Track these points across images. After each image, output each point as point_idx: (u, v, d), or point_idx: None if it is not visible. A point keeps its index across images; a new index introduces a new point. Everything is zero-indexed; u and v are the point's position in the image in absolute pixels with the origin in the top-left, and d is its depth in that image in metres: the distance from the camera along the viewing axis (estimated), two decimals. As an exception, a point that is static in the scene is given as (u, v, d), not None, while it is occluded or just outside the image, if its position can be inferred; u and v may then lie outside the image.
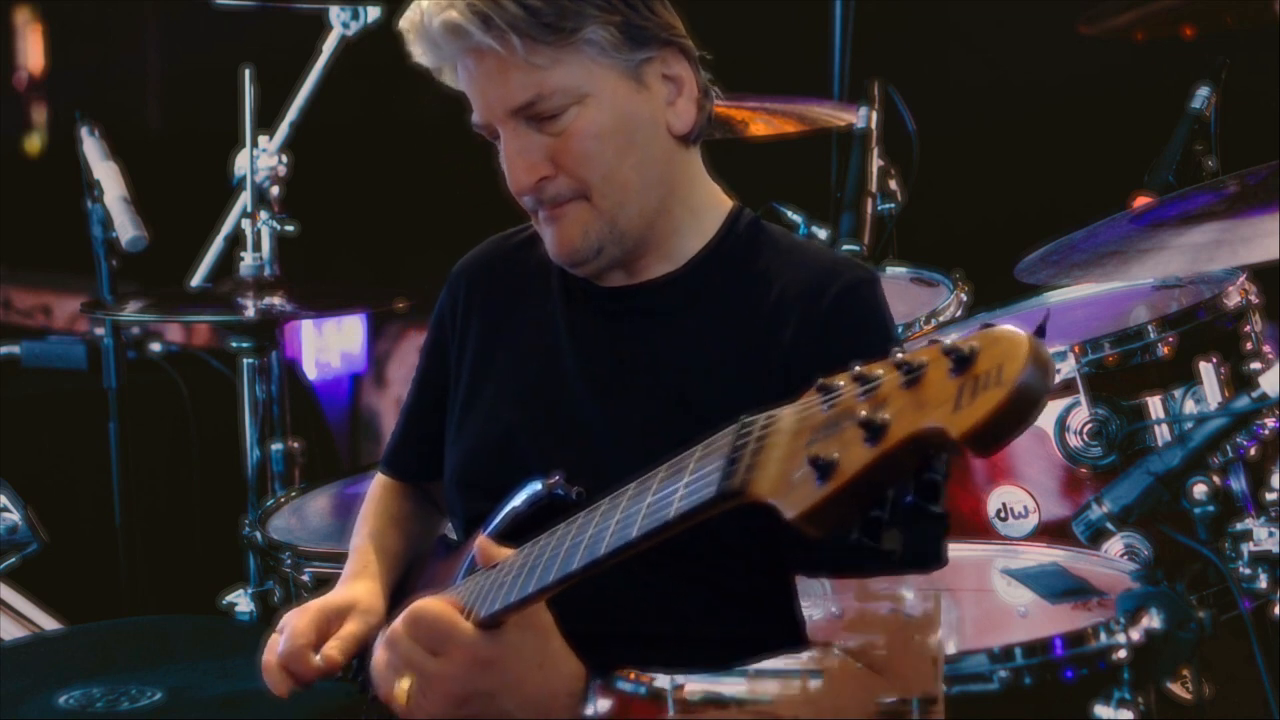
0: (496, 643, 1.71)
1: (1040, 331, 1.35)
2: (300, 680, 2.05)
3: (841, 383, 1.40)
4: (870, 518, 1.35)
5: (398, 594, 2.20)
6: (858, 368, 1.39)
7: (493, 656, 1.70)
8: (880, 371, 1.37)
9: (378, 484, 2.35)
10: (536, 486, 1.95)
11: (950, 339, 1.33)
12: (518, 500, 1.96)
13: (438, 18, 1.91)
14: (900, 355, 1.35)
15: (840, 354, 1.88)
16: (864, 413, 1.33)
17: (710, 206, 2.06)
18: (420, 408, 2.27)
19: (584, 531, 1.63)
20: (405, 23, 1.98)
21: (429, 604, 1.75)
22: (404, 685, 1.74)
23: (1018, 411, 1.27)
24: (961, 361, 1.30)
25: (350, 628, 2.09)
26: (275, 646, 2.06)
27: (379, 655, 1.82)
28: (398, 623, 1.77)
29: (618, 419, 1.99)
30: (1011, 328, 1.31)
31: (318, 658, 2.05)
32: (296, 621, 2.07)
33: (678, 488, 1.51)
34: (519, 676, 1.71)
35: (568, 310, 2.08)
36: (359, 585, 2.18)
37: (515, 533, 1.93)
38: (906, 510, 1.35)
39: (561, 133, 1.93)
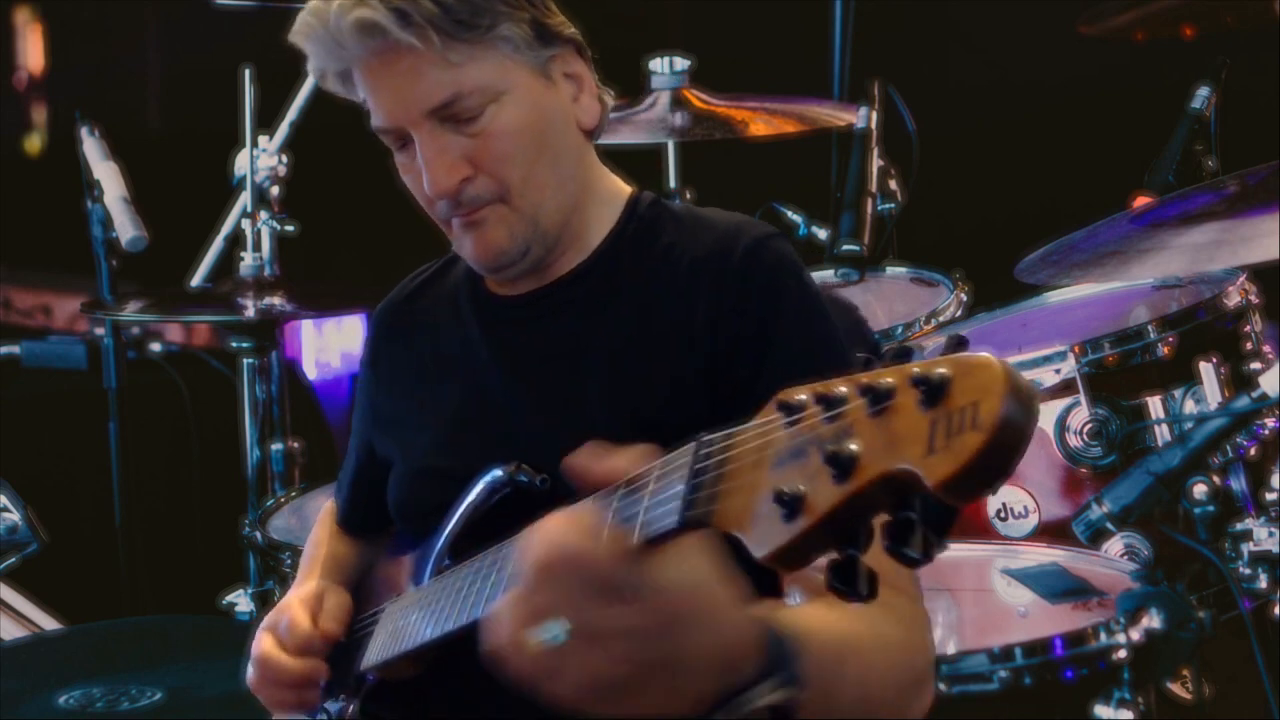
0: (696, 580, 1.34)
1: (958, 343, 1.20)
2: (314, 669, 2.02)
3: (803, 398, 1.27)
4: (844, 557, 1.24)
5: (356, 597, 2.15)
6: (818, 385, 1.26)
7: (691, 608, 1.34)
8: (844, 391, 1.23)
9: (328, 508, 2.32)
10: (498, 473, 1.89)
11: (918, 364, 1.20)
12: (480, 488, 1.90)
13: (349, 16, 1.85)
14: (864, 378, 1.21)
15: (759, 309, 1.86)
16: (830, 445, 1.21)
17: (613, 196, 2.04)
18: (360, 465, 2.22)
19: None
20: (300, 26, 1.92)
21: (606, 549, 1.34)
22: (548, 631, 1.32)
23: (999, 456, 1.14)
24: (932, 393, 1.17)
25: (332, 601, 2.06)
26: (272, 645, 2.02)
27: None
28: (550, 556, 1.34)
29: (556, 422, 1.93)
30: (986, 355, 1.17)
31: (317, 633, 2.02)
32: (291, 614, 2.03)
33: (638, 512, 1.37)
34: (717, 624, 1.35)
35: (484, 329, 2.04)
36: (314, 581, 2.15)
37: (481, 523, 1.89)
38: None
39: (479, 133, 1.90)
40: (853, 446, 1.20)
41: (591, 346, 1.95)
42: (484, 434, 1.99)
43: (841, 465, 1.20)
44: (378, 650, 1.98)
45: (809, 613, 1.51)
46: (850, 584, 1.24)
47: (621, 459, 1.43)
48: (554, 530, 1.36)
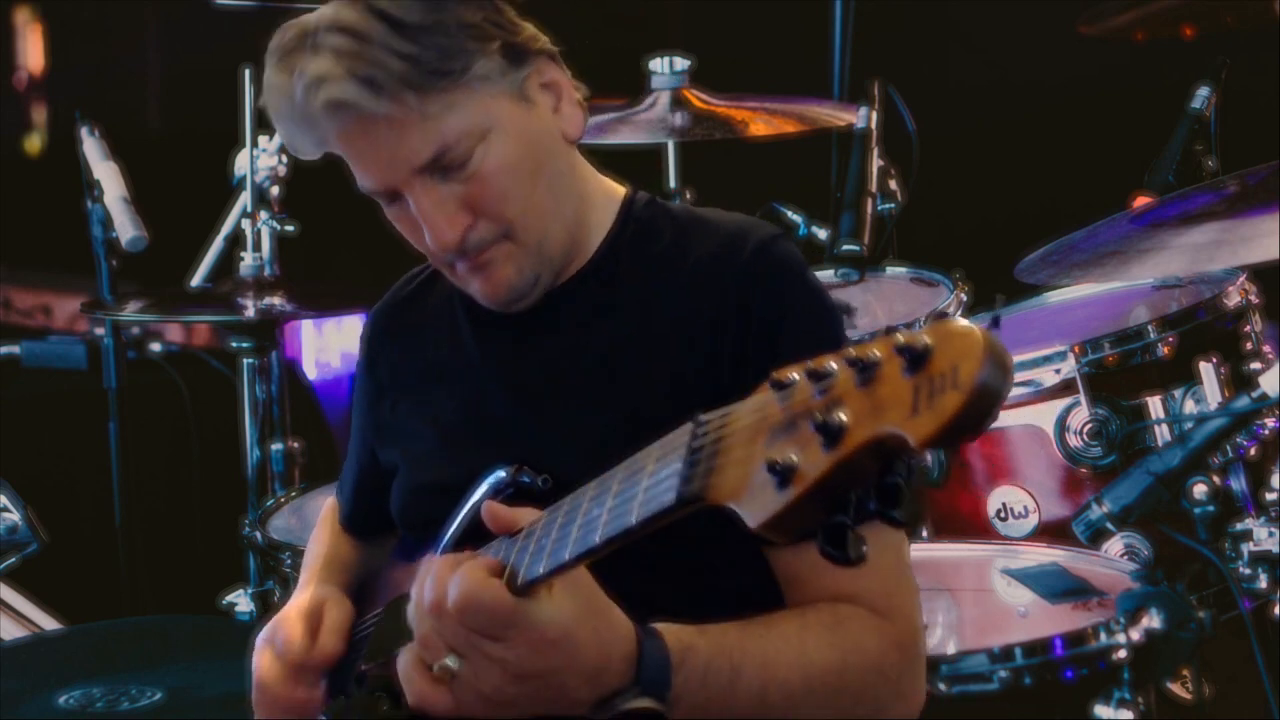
0: (559, 619, 1.60)
1: (995, 322, 1.33)
2: (309, 690, 1.99)
3: (795, 376, 1.34)
4: (834, 523, 1.31)
5: (357, 600, 2.13)
6: (810, 363, 1.34)
7: (557, 636, 1.60)
8: (834, 366, 1.31)
9: (330, 504, 2.31)
10: (501, 474, 1.89)
11: (902, 334, 1.28)
12: (483, 490, 1.90)
13: (317, 98, 1.78)
14: (853, 351, 1.30)
15: (765, 313, 1.85)
16: (820, 414, 1.28)
17: (606, 197, 1.99)
18: (361, 469, 2.21)
19: (547, 535, 1.60)
20: (268, 103, 1.85)
21: (480, 588, 1.60)
22: (449, 664, 1.63)
23: (977, 414, 1.22)
24: (915, 360, 1.25)
25: (333, 615, 2.02)
26: (268, 661, 1.99)
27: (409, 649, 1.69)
28: (448, 607, 1.61)
29: (558, 433, 1.92)
30: (966, 322, 1.26)
31: (317, 652, 1.98)
32: (287, 631, 2.00)
33: (637, 491, 1.47)
34: (578, 648, 1.62)
35: (479, 339, 2.01)
36: (316, 588, 2.11)
37: (480, 525, 1.88)
38: (870, 516, 1.31)
39: (472, 176, 1.84)
40: (841, 415, 1.28)
41: (590, 353, 1.93)
42: (482, 444, 1.97)
43: (830, 433, 1.28)
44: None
45: (712, 631, 1.71)
46: (840, 548, 1.32)
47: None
48: (468, 597, 1.60)
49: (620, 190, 2.02)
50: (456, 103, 1.81)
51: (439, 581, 1.63)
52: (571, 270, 1.96)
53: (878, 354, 1.28)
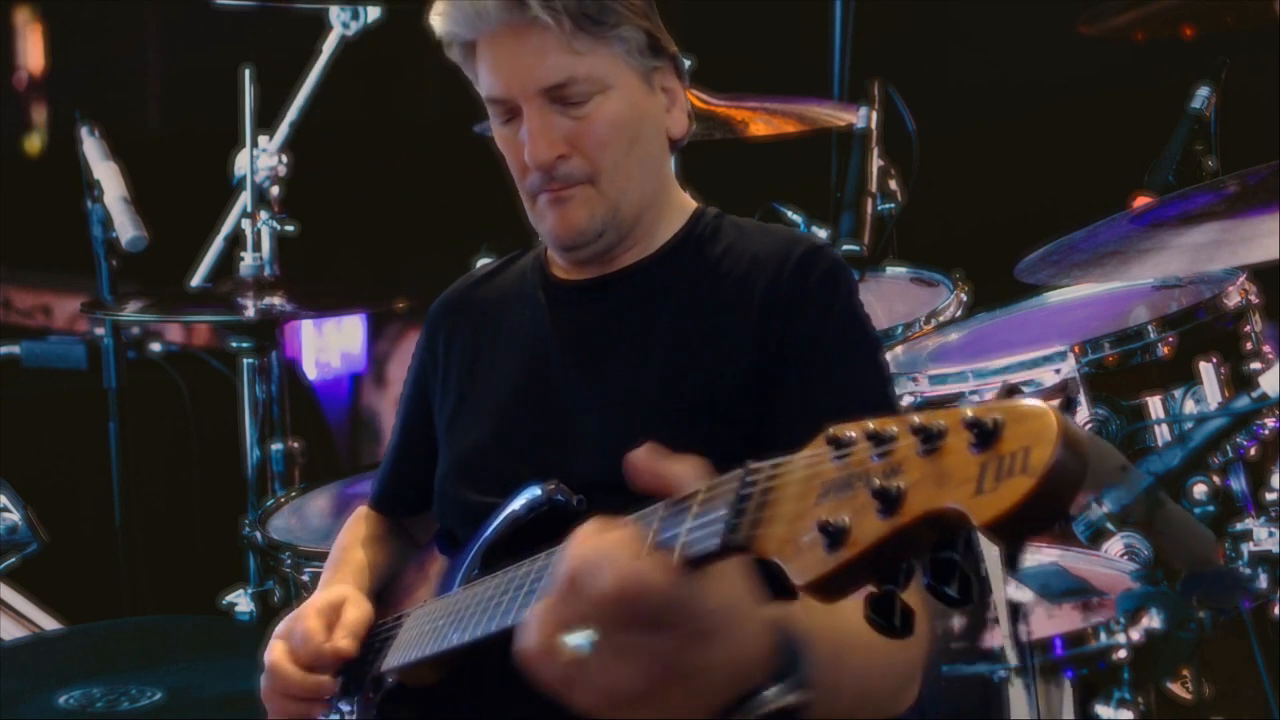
0: (717, 609, 1.41)
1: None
2: (320, 686, 2.03)
3: (853, 434, 1.30)
4: (883, 591, 1.27)
5: (379, 602, 2.18)
6: (869, 422, 1.29)
7: (715, 627, 1.41)
8: (895, 430, 1.27)
9: (358, 513, 2.36)
10: (536, 492, 1.95)
11: (971, 409, 1.23)
12: (517, 505, 1.97)
13: None
14: (917, 419, 1.25)
15: (810, 307, 2.00)
16: (878, 479, 1.25)
17: (681, 205, 2.20)
18: (404, 449, 2.31)
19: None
20: None
21: (646, 574, 1.39)
22: (577, 640, 1.40)
23: (1049, 502, 1.17)
24: (984, 436, 1.21)
25: (351, 614, 2.08)
26: (283, 655, 2.04)
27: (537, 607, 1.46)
28: (603, 589, 1.39)
29: (607, 401, 2.05)
30: (1040, 404, 1.21)
31: (329, 648, 2.03)
32: (305, 624, 2.05)
33: (679, 533, 1.44)
34: (739, 642, 1.44)
35: (550, 307, 2.17)
36: (338, 586, 2.17)
37: (514, 538, 1.94)
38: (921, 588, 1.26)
39: (583, 118, 2.05)
40: (900, 483, 1.24)
41: (649, 330, 2.07)
42: (540, 409, 2.09)
43: (888, 500, 1.23)
44: (400, 653, 2.00)
45: (812, 612, 1.49)
46: (887, 618, 1.28)
47: (678, 467, 1.48)
48: (593, 542, 1.43)
49: (694, 204, 2.21)
50: (597, 50, 2.04)
51: (584, 544, 1.44)
52: (638, 258, 2.13)
53: (944, 424, 1.24)
